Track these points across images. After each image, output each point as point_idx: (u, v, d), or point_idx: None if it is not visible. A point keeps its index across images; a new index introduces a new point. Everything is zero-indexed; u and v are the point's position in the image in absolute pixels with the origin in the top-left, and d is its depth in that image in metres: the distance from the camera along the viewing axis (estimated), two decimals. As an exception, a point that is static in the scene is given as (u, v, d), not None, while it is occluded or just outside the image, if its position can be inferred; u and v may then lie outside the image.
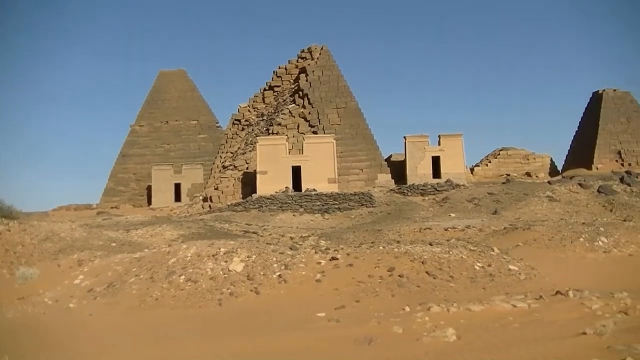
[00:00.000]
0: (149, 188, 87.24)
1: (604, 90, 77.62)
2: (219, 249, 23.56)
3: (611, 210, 46.78)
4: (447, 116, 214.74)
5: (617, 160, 72.34)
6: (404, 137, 67.35)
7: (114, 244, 32.01)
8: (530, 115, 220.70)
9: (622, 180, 58.70)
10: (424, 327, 14.78)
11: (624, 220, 38.48)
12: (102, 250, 28.99)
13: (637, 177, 61.34)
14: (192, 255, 23.00)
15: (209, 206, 64.72)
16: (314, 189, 59.12)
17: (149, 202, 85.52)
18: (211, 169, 79.03)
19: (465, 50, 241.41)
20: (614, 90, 77.70)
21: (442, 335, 13.70)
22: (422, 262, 22.68)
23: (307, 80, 71.08)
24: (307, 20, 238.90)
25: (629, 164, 70.74)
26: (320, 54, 72.95)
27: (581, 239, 31.31)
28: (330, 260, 22.59)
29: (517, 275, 23.22)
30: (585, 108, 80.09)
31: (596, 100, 78.06)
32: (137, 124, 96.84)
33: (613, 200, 49.74)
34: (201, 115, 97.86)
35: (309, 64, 72.53)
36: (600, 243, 30.94)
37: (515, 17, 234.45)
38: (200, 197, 70.22)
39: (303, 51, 75.84)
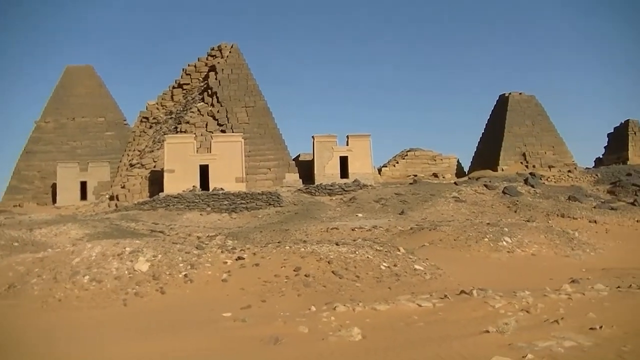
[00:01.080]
0: (54, 186, 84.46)
1: (510, 94, 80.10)
2: (125, 248, 23.24)
3: (515, 211, 48.30)
4: (356, 117, 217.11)
5: (522, 162, 74.84)
6: (312, 137, 67.64)
7: (16, 244, 31.09)
8: (437, 116, 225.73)
9: (526, 181, 60.76)
10: (330, 327, 14.96)
11: (528, 221, 39.89)
12: (4, 250, 28.12)
13: (540, 178, 63.70)
14: (97, 255, 22.56)
15: (116, 205, 63.46)
16: (222, 188, 58.73)
17: (54, 201, 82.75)
18: (118, 167, 77.47)
19: (374, 51, 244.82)
20: (520, 93, 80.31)
21: (347, 334, 13.88)
22: (329, 262, 22.97)
23: (216, 79, 70.53)
24: (217, 18, 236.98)
25: (534, 166, 73.36)
26: (230, 52, 72.50)
27: (486, 239, 32.27)
28: (236, 259, 22.63)
29: (422, 275, 23.76)
30: (492, 111, 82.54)
31: (502, 103, 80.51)
32: (42, 120, 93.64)
33: (517, 201, 51.38)
34: (109, 112, 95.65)
35: (218, 62, 71.99)
36: (504, 243, 31.98)
37: (423, 17, 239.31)
38: (107, 196, 68.75)
39: (213, 49, 75.18)
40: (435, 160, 79.26)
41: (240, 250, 23.74)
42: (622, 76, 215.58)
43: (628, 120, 77.69)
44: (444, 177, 74.22)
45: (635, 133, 76.37)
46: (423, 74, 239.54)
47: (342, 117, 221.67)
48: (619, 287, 19.48)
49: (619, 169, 67.15)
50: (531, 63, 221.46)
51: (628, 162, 72.74)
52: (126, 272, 21.21)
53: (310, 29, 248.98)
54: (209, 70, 73.07)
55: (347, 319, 15.72)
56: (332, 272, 22.21)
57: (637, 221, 43.56)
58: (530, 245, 32.10)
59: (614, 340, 12.36)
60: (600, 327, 13.29)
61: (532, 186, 58.79)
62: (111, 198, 66.44)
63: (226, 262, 22.44)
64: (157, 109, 78.18)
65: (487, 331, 13.30)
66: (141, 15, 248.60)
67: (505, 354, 11.58)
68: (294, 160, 69.13)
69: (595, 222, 42.85)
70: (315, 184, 63.30)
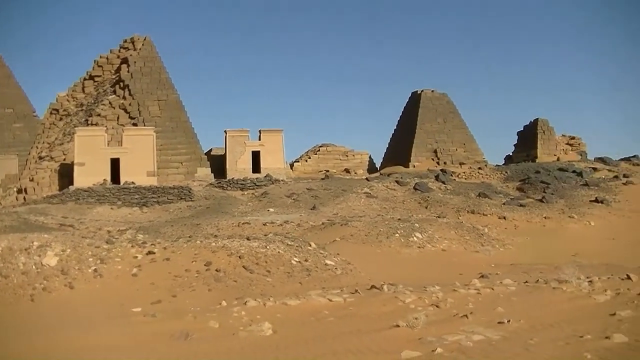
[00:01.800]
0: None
1: (422, 91, 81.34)
2: (32, 242, 22.62)
3: (426, 207, 49.16)
4: (269, 112, 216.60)
5: (433, 159, 76.11)
6: (225, 132, 67.10)
7: None
8: (350, 112, 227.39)
9: (437, 178, 61.91)
10: (241, 322, 14.94)
11: (438, 217, 40.70)
12: None
13: (451, 175, 65.01)
14: (3, 249, 21.85)
15: (24, 198, 61.38)
16: (133, 182, 57.69)
17: (-41, 194, 79.51)
18: (26, 160, 74.78)
19: (289, 46, 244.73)
20: (432, 91, 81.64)
21: (258, 329, 13.87)
22: (240, 257, 22.94)
23: (128, 71, 69.14)
24: (130, 10, 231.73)
25: (444, 163, 74.68)
26: (143, 44, 71.10)
27: (397, 235, 32.74)
28: (147, 254, 22.42)
29: (333, 270, 23.93)
30: (404, 107, 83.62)
31: (414, 100, 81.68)
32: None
33: (428, 197, 52.30)
34: (17, 103, 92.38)
35: (131, 55, 70.55)
36: (415, 239, 32.53)
37: (338, 13, 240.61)
38: (15, 189, 66.44)
39: (126, 41, 73.60)
40: (347, 156, 79.80)
41: (151, 244, 23.49)
42: (531, 75, 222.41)
43: (537, 119, 79.91)
44: (355, 173, 74.79)
45: (544, 132, 78.70)
46: (337, 70, 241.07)
47: (254, 112, 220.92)
48: (526, 282, 20.08)
49: (528, 167, 69.14)
50: (444, 60, 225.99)
51: (537, 160, 74.83)
52: (34, 266, 20.66)
53: (224, 23, 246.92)
54: (121, 63, 71.51)
55: (258, 313, 15.71)
56: (243, 266, 22.20)
57: (545, 218, 45.03)
58: (440, 241, 32.75)
59: (521, 333, 12.70)
60: (508, 321, 13.63)
61: (443, 182, 59.96)
62: (19, 191, 64.27)
63: (136, 257, 22.19)
64: (68, 100, 76.01)
65: (398, 325, 13.47)
66: (53, 4, 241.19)
67: (415, 348, 11.74)
68: (206, 154, 68.41)
69: (504, 218, 44.07)
70: (227, 178, 62.85)
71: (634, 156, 78.54)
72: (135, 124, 65.84)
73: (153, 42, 72.40)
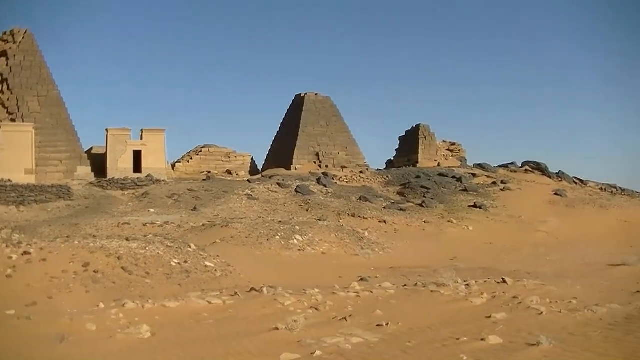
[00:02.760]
0: None
1: (306, 94, 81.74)
2: None
3: (307, 210, 49.44)
4: (151, 111, 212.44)
5: (315, 162, 76.63)
6: (106, 130, 65.55)
7: None
8: (233, 113, 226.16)
9: (319, 181, 62.40)
10: (119, 324, 14.66)
11: (319, 220, 40.99)
12: None
13: (333, 178, 65.66)
14: None
15: None
16: (9, 180, 55.46)
17: None
18: None
19: (171, 46, 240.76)
20: (316, 94, 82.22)
21: (136, 332, 13.66)
22: (118, 258, 22.51)
23: (7, 65, 66.39)
24: (11, 2, 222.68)
25: (326, 166, 75.37)
26: (23, 38, 68.39)
27: (277, 237, 32.81)
28: (22, 254, 21.65)
29: (213, 272, 23.76)
30: (287, 110, 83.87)
31: (298, 103, 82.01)
32: None
33: (310, 200, 52.62)
34: None
35: (10, 48, 67.74)
36: (296, 241, 32.68)
37: (222, 15, 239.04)
38: None
39: (5, 34, 70.62)
40: (229, 157, 79.27)
41: (27, 244, 22.72)
42: (414, 80, 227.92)
43: (419, 124, 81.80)
44: (237, 175, 74.40)
45: (425, 137, 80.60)
46: (221, 71, 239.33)
47: (136, 111, 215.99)
48: (405, 285, 20.50)
49: (409, 172, 70.68)
50: (327, 64, 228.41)
51: (418, 165, 76.59)
52: None
53: (108, 20, 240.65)
54: (0, 56, 68.86)
55: (136, 316, 15.45)
56: (122, 268, 21.82)
57: (425, 222, 46.18)
58: (321, 244, 33.02)
59: (400, 336, 12.94)
60: (387, 323, 13.87)
61: (325, 186, 60.52)
62: None
63: (11, 257, 21.37)
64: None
65: (277, 328, 13.48)
66: None
67: (294, 350, 11.77)
68: (86, 153, 66.59)
69: (384, 222, 44.85)
70: (108, 177, 61.44)
71: (512, 163, 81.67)
72: (13, 120, 63.38)
73: (34, 35, 69.82)
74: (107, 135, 65.69)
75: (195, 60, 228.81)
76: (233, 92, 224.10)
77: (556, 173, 76.31)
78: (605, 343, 11.22)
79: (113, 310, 15.94)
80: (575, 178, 76.46)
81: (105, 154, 65.64)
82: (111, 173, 63.07)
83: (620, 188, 76.16)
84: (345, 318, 14.61)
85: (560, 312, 14.55)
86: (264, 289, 18.71)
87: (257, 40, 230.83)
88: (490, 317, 14.23)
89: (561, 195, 61.66)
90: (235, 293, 18.38)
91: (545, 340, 11.10)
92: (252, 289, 19.04)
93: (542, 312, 14.46)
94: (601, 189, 73.33)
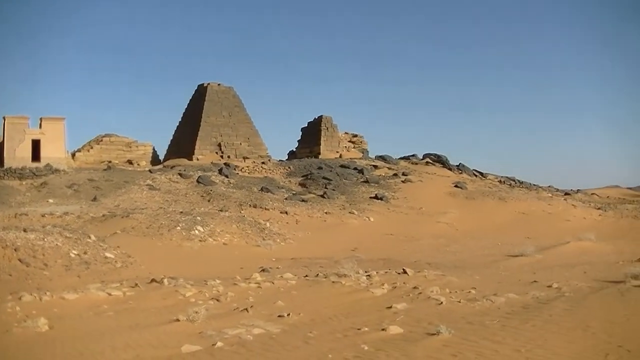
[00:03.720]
0: None
1: (208, 84, 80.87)
2: None
3: (209, 201, 48.97)
4: (50, 98, 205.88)
5: (217, 152, 75.98)
6: (3, 118, 63.29)
7: None
8: (134, 102, 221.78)
9: (220, 171, 61.90)
10: (15, 318, 14.20)
11: (221, 211, 40.70)
12: None
13: (235, 169, 65.29)
14: None
15: None
16: None
17: None
18: None
19: (72, 33, 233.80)
20: (219, 84, 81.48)
21: (33, 325, 13.29)
22: (15, 249, 21.79)
23: None
24: None
25: (228, 156, 74.84)
26: None
27: (178, 228, 32.40)
28: None
29: (113, 263, 23.30)
30: (190, 100, 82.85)
31: (200, 93, 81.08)
32: None
33: (211, 190, 52.14)
34: None
35: None
36: (197, 232, 32.35)
37: (125, 2, 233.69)
38: None
39: None
40: (130, 147, 77.72)
41: None
42: (316, 71, 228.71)
43: (321, 116, 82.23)
44: (139, 165, 73.02)
45: (327, 129, 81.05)
46: (123, 60, 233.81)
47: (35, 99, 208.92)
48: (306, 276, 20.57)
49: (311, 163, 70.95)
50: (230, 54, 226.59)
51: (320, 156, 76.98)
52: None
53: (10, 4, 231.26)
54: None
55: (34, 309, 15.00)
56: (19, 259, 21.15)
57: (326, 213, 46.45)
58: (222, 235, 32.81)
59: (301, 326, 12.97)
60: (288, 314, 13.88)
61: (227, 176, 60.08)
62: None
63: None
64: None
65: (178, 319, 13.33)
66: None
67: (195, 342, 11.65)
68: (-18, 142, 64.21)
69: (286, 213, 44.90)
70: (5, 167, 59.35)
71: (413, 155, 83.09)
72: None
73: None
74: (4, 123, 63.35)
75: (97, 47, 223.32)
76: (134, 81, 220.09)
77: (457, 165, 78.12)
78: (503, 331, 11.55)
79: (9, 304, 15.41)
80: (475, 170, 78.48)
81: (2, 142, 63.35)
82: (8, 162, 60.88)
83: (518, 181, 78.67)
84: (246, 309, 14.57)
85: (460, 302, 14.91)
86: (165, 280, 18.44)
87: (159, 28, 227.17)
88: (391, 307, 14.44)
89: (461, 187, 63.12)
90: (136, 284, 18.06)
91: (445, 330, 11.33)
92: (153, 280, 18.74)
93: (441, 302, 14.78)
94: (500, 181, 75.56)
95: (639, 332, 11.29)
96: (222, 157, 74.49)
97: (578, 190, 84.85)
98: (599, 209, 59.07)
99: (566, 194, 73.71)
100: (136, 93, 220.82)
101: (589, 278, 19.06)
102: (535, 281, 18.84)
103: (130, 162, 74.20)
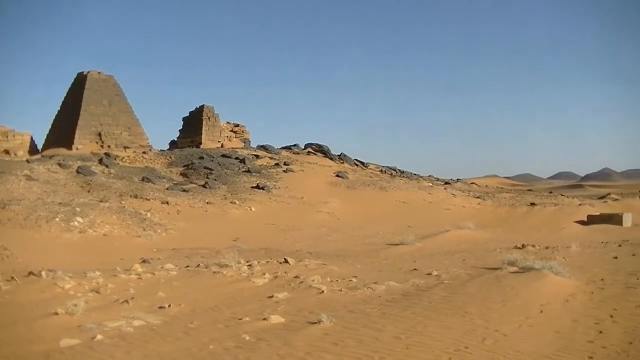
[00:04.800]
0: None
1: (88, 72, 78.45)
2: None
3: (89, 191, 47.63)
4: None
5: (97, 142, 73.98)
6: None
7: None
8: (8, 91, 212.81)
9: (101, 161, 60.33)
10: None
11: (101, 201, 39.66)
12: None
13: (115, 159, 63.80)
14: None
15: None
16: None
17: None
18: None
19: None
20: (99, 72, 79.17)
21: None
22: None
23: None
24: None
25: (109, 146, 72.98)
26: None
27: (57, 219, 31.37)
28: None
29: (-14, 256, 22.35)
30: (69, 88, 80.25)
31: (80, 81, 78.63)
32: None
33: (91, 181, 50.72)
34: None
35: None
36: (76, 223, 31.43)
37: None
38: None
39: None
40: (7, 137, 74.59)
41: None
42: (198, 62, 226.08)
43: (203, 105, 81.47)
44: (16, 154, 70.31)
45: (209, 118, 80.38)
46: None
47: None
48: (188, 266, 20.39)
49: (192, 152, 70.32)
50: (111, 43, 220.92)
51: (201, 146, 76.35)
52: None
53: None
54: None
55: None
56: None
57: (208, 203, 46.07)
58: (102, 226, 32.03)
59: (182, 317, 12.89)
60: (169, 305, 13.76)
61: (107, 166, 58.63)
62: None
63: None
64: None
65: (56, 313, 12.97)
66: None
67: (74, 335, 11.39)
68: None
69: (167, 203, 44.25)
70: None
71: (295, 145, 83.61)
72: None
73: None
74: None
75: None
76: (8, 69, 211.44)
77: (338, 155, 79.16)
78: (383, 319, 11.83)
79: None
80: (357, 160, 79.75)
81: None
82: None
83: (399, 170, 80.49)
84: (126, 301, 14.32)
85: (341, 290, 15.14)
86: (43, 273, 17.83)
87: (39, 15, 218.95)
88: (272, 296, 14.53)
89: (342, 177, 63.99)
90: (12, 278, 17.37)
91: (326, 318, 11.51)
92: (30, 272, 18.08)
93: (323, 291, 14.97)
94: (381, 171, 77.06)
95: (514, 316, 11.83)
96: (102, 146, 72.65)
97: (458, 180, 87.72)
98: (477, 197, 61.19)
99: (446, 183, 76.01)
100: (12, 81, 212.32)
101: (468, 265, 19.69)
102: (415, 269, 19.31)
103: (7, 152, 71.24)
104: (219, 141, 79.37)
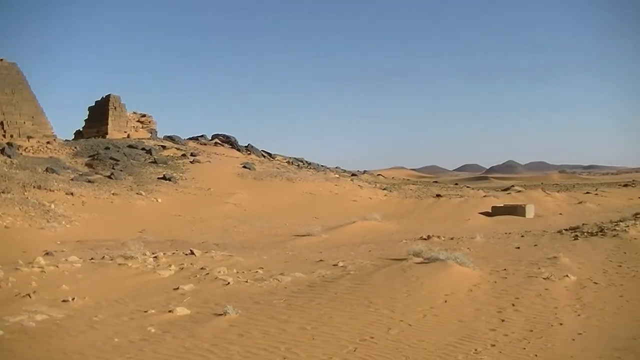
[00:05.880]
0: None
1: (-9, 59, 75.99)
2: None
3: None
4: None
5: (-1, 132, 71.67)
6: None
7: None
8: None
9: (3, 151, 58.17)
10: None
11: (2, 192, 38.27)
12: None
13: (18, 149, 61.71)
14: None
15: None
16: None
17: None
18: None
19: None
20: (1, 59, 76.53)
21: None
22: None
23: None
24: None
25: (11, 136, 70.53)
26: None
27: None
28: None
29: None
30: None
31: (-17, 68, 76.00)
32: None
33: (-6, 171, 49.12)
34: None
35: None
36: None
37: None
38: None
39: None
40: None
41: None
42: (105, 50, 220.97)
43: (109, 95, 79.75)
44: None
45: (115, 108, 78.75)
46: None
47: None
48: (92, 258, 19.91)
49: (98, 143, 68.78)
50: (13, 28, 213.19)
51: (107, 136, 74.77)
52: None
53: None
54: None
55: None
56: None
57: (114, 194, 45.09)
58: (4, 218, 30.92)
59: (86, 311, 12.58)
60: (73, 298, 13.40)
61: (9, 156, 56.62)
62: None
63: None
64: None
65: None
66: None
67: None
68: None
69: (72, 194, 43.06)
70: None
71: (202, 136, 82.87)
72: None
73: None
74: None
75: None
76: None
77: (245, 146, 78.85)
78: (290, 310, 11.85)
79: None
80: (264, 151, 79.61)
81: None
82: None
83: (306, 162, 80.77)
84: (28, 294, 13.86)
85: (247, 282, 15.11)
86: (-61, 267, 17.08)
87: None
88: (178, 288, 14.36)
89: (249, 168, 63.83)
90: None
91: (232, 310, 11.46)
92: None
93: (229, 283, 14.91)
94: (288, 162, 77.22)
95: (419, 306, 12.06)
96: (4, 136, 70.15)
97: (365, 171, 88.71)
98: (384, 189, 62.10)
99: (353, 175, 76.89)
100: None
101: (374, 256, 19.94)
102: (321, 260, 19.44)
103: None
104: (125, 131, 77.89)
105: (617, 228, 22.84)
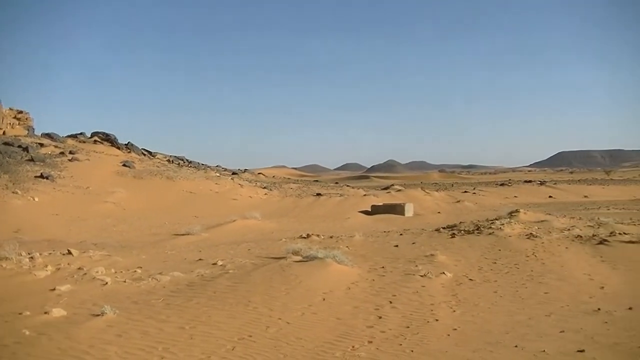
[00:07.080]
0: None
1: None
2: None
3: None
4: None
5: None
6: None
7: None
8: None
9: None
10: None
11: None
12: None
13: None
14: None
15: None
16: None
17: None
18: None
19: None
20: None
21: None
22: None
23: None
24: None
25: None
26: None
27: None
28: None
29: None
30: None
31: None
32: None
33: None
34: None
35: None
36: None
37: None
38: None
39: None
40: None
41: None
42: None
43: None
44: None
45: None
46: None
47: None
48: None
49: (-30, 140, 65.86)
50: None
51: (-19, 133, 71.85)
52: None
53: None
54: None
55: None
56: None
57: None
58: None
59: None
60: None
61: None
62: None
63: None
64: None
65: None
66: None
67: None
68: None
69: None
70: None
71: (81, 133, 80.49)
72: None
73: None
74: None
75: None
76: None
77: (125, 144, 77.14)
78: (168, 309, 11.78)
79: None
80: (144, 149, 78.11)
81: None
82: None
83: (187, 160, 79.81)
84: None
85: (125, 281, 14.87)
86: None
87: None
88: (54, 289, 13.97)
89: (129, 167, 62.46)
90: None
91: (110, 310, 11.28)
92: None
93: (107, 283, 14.64)
94: (169, 160, 76.09)
95: (297, 304, 12.23)
96: None
97: (245, 170, 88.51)
98: (264, 188, 62.20)
99: (233, 173, 76.62)
100: None
101: (253, 255, 19.98)
102: (200, 259, 19.34)
103: None
104: (0, 128, 74.64)
105: (492, 226, 23.72)
